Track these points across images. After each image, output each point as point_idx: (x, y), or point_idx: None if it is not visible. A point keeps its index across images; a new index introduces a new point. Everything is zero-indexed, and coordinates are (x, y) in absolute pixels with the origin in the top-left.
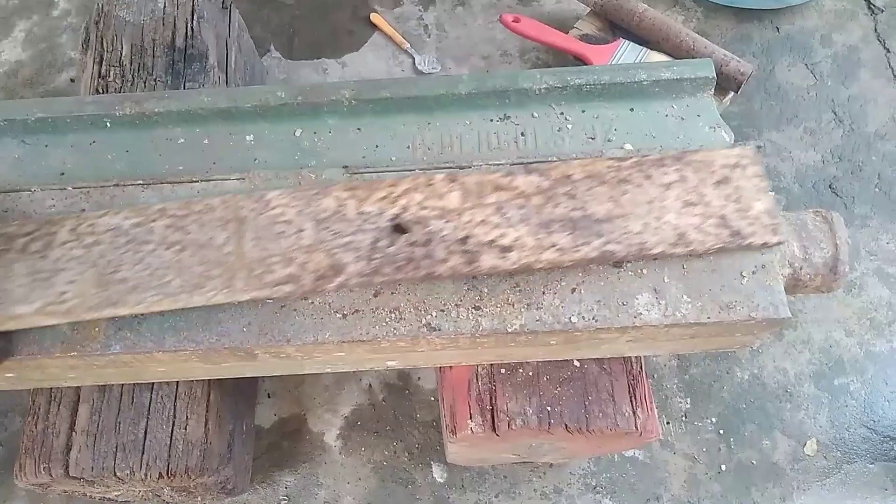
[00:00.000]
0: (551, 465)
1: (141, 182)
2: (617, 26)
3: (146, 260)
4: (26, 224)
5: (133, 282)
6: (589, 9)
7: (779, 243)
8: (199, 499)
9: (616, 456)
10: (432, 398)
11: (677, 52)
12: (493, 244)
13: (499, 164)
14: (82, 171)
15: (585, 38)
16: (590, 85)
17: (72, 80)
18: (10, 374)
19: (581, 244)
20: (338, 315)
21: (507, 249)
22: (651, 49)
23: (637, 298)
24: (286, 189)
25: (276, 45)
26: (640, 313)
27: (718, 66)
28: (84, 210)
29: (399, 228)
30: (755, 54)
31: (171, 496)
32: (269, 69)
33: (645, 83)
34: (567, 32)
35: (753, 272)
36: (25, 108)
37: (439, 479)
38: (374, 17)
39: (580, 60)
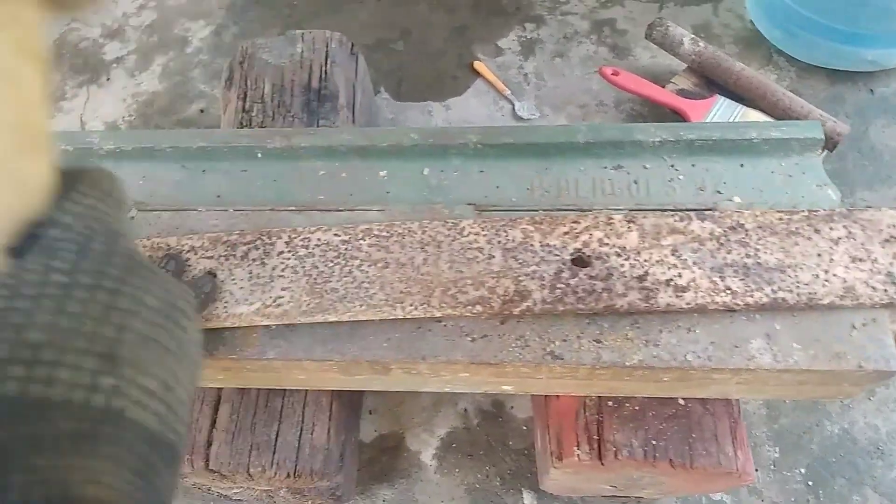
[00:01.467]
0: (639, 501)
1: (294, 208)
2: (713, 83)
3: (353, 273)
4: (246, 234)
5: (342, 292)
6: (686, 65)
7: None
8: (308, 503)
9: (703, 498)
10: (524, 427)
11: (774, 110)
12: (670, 283)
13: (618, 209)
14: (234, 196)
15: (682, 93)
16: (701, 140)
17: (201, 111)
18: None
19: (753, 290)
20: (468, 338)
21: (682, 289)
22: (747, 106)
23: (751, 343)
24: (476, 219)
25: (386, 87)
26: (754, 356)
27: None
28: (243, 229)
29: (580, 262)
30: (848, 115)
31: (284, 497)
32: (379, 109)
33: (755, 141)
34: (664, 87)
35: (864, 325)
36: (189, 138)
37: None
38: (477, 65)
39: (677, 114)
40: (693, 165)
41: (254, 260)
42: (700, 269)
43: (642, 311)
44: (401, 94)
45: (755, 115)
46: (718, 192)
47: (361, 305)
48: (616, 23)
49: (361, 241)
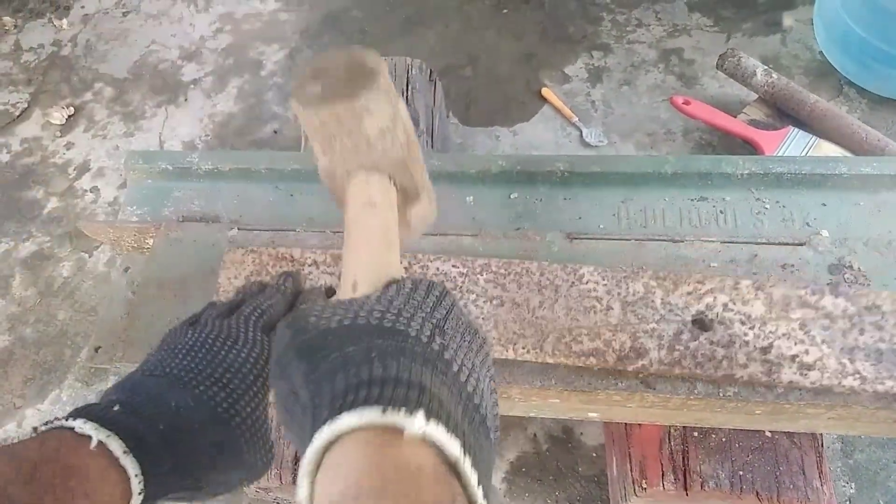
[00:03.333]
0: None
1: None
2: (785, 114)
3: (468, 307)
4: None
5: None
6: (757, 95)
7: None
8: None
9: None
10: (594, 454)
11: (849, 143)
12: (795, 360)
13: (709, 241)
14: (327, 218)
15: (754, 124)
16: (790, 174)
17: (274, 132)
18: None
19: (885, 377)
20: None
21: (808, 367)
22: (820, 138)
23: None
24: (597, 266)
25: (454, 112)
26: (849, 394)
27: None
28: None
29: (702, 325)
30: None
31: None
32: (448, 133)
33: (845, 176)
34: (734, 117)
35: None
36: (284, 160)
37: None
38: (544, 92)
39: (748, 144)
40: (779, 199)
41: None
42: (829, 348)
43: (762, 385)
44: (469, 119)
45: (829, 147)
46: (807, 224)
47: None
48: (683, 52)
49: (479, 276)
